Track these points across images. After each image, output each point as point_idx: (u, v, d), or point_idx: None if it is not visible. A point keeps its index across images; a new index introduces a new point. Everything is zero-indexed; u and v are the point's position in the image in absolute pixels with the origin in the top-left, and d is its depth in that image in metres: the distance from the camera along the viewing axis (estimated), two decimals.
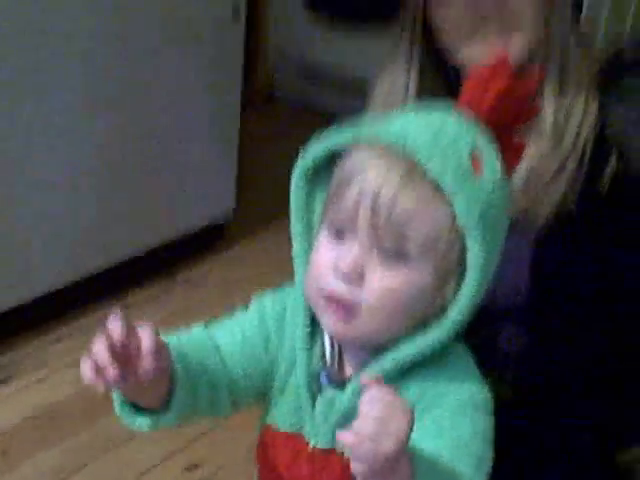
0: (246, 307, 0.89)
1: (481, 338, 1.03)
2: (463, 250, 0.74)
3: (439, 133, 0.74)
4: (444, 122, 0.76)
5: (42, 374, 1.75)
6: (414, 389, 0.77)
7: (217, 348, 0.83)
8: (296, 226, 0.81)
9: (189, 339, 0.83)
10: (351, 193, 0.74)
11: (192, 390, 0.79)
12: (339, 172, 0.77)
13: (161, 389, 0.75)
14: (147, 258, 2.03)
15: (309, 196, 0.81)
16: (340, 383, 0.80)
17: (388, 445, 0.63)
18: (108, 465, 1.55)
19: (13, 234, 1.73)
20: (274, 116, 3.06)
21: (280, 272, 0.90)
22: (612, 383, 1.03)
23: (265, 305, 0.86)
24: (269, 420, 0.86)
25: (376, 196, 0.73)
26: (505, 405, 1.02)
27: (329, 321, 0.76)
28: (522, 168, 0.95)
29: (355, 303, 0.74)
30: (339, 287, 0.74)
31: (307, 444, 0.81)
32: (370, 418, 0.64)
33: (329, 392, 0.80)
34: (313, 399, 0.81)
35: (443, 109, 0.79)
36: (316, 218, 0.81)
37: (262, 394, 0.86)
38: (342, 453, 0.78)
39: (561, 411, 1.02)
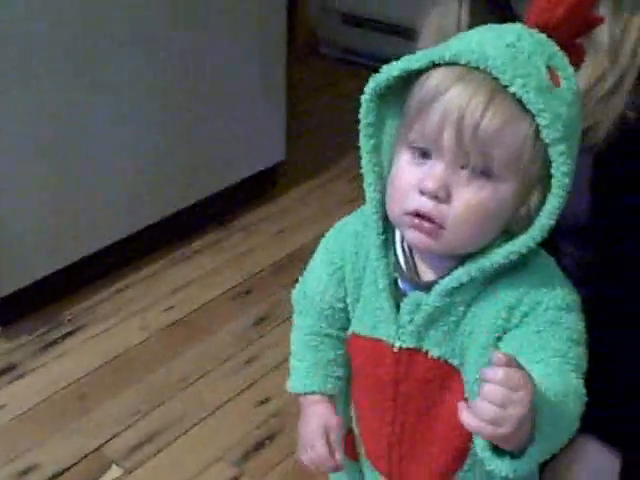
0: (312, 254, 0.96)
1: None
2: (545, 162, 0.76)
3: (516, 50, 0.75)
4: (519, 38, 0.77)
5: (113, 322, 1.82)
6: (506, 296, 0.80)
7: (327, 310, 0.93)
8: (366, 144, 0.82)
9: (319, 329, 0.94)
10: (435, 113, 0.75)
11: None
12: (420, 93, 0.78)
13: None
14: (204, 207, 2.09)
15: (378, 117, 0.82)
16: (422, 287, 0.83)
17: (506, 428, 0.68)
18: (183, 403, 1.62)
19: (78, 189, 1.79)
20: (319, 68, 3.07)
21: (330, 216, 0.96)
22: None
23: (327, 244, 0.92)
24: (351, 329, 0.91)
25: (462, 115, 0.74)
26: None
27: (415, 236, 0.79)
28: (583, 82, 0.93)
29: (442, 219, 0.76)
30: (425, 205, 0.76)
31: (391, 346, 0.85)
32: (492, 404, 0.67)
33: (415, 295, 0.83)
34: (395, 303, 0.85)
35: (513, 27, 0.79)
36: (386, 140, 0.83)
37: None
38: (426, 352, 0.83)
39: (629, 330, 1.01)
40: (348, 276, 0.89)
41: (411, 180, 0.78)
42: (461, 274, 0.79)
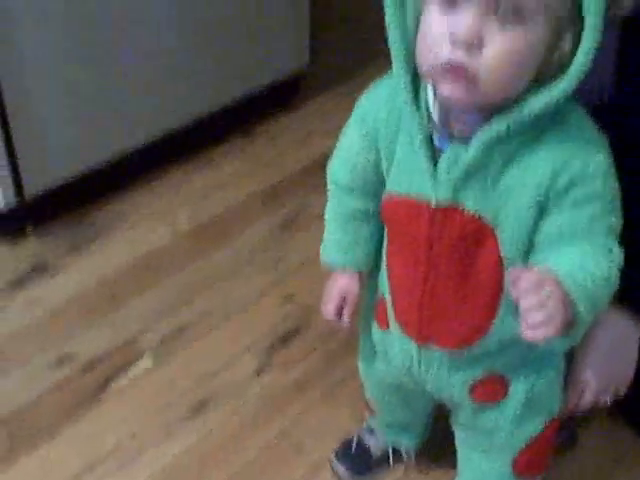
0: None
1: None
2: (575, 2, 0.76)
3: None
4: None
5: (141, 224, 1.85)
6: (551, 156, 0.81)
7: (361, 177, 0.97)
8: None
9: (352, 202, 1.00)
10: None
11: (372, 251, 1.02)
12: None
13: None
14: (227, 114, 2.09)
15: None
16: (459, 142, 0.83)
17: (557, 318, 0.75)
18: (211, 299, 1.66)
19: (103, 93, 1.80)
20: None
21: None
22: None
23: (360, 106, 0.94)
24: (387, 190, 0.93)
25: None
26: None
27: (449, 88, 0.78)
28: None
29: (475, 68, 0.76)
30: (457, 55, 0.76)
31: (427, 203, 0.87)
32: (534, 309, 0.75)
33: (454, 148, 0.84)
34: (432, 159, 0.85)
35: None
36: None
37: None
38: (462, 209, 0.85)
39: None
40: (381, 139, 0.90)
41: (442, 30, 0.77)
42: (499, 124, 0.79)
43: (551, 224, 0.84)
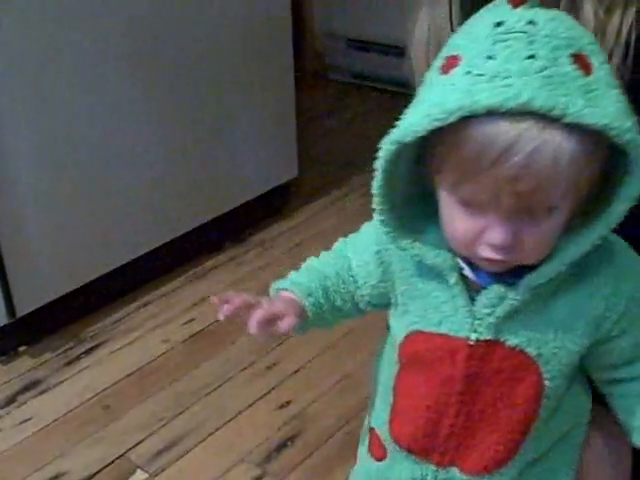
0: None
1: None
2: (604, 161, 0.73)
3: (540, 65, 0.67)
4: (531, 41, 0.68)
5: (134, 336, 1.85)
6: (599, 284, 0.80)
7: (350, 268, 0.91)
8: (378, 192, 0.77)
9: (331, 262, 0.93)
10: (490, 182, 0.69)
11: (321, 317, 0.91)
12: (465, 154, 0.69)
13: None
14: (220, 224, 2.12)
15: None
16: (502, 278, 0.80)
17: None
18: (205, 409, 1.65)
19: (95, 208, 1.83)
20: (326, 92, 3.13)
21: (342, 231, 0.96)
22: None
23: (371, 232, 0.89)
24: (411, 327, 0.87)
25: (521, 172, 0.67)
26: None
27: (489, 266, 0.78)
28: None
29: (516, 258, 0.75)
30: (497, 255, 0.74)
31: (465, 340, 0.83)
32: None
33: (497, 288, 0.80)
34: (468, 295, 0.82)
35: (510, 20, 0.70)
36: (402, 182, 0.78)
37: (385, 305, 0.91)
38: (504, 342, 0.82)
39: None
40: (395, 265, 0.87)
41: (473, 231, 0.74)
42: (549, 271, 0.77)
43: (621, 346, 0.84)
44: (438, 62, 0.74)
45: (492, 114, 0.66)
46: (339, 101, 3.03)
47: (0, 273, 1.69)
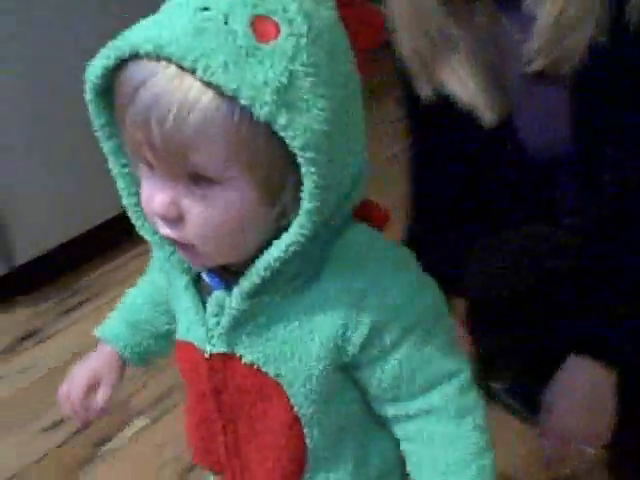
0: None
1: (538, 191, 1.08)
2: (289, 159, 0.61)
3: (204, 17, 0.59)
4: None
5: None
6: (337, 302, 0.68)
7: (153, 299, 0.87)
8: (106, 147, 0.69)
9: (141, 291, 0.89)
10: (127, 121, 0.61)
11: (144, 356, 0.90)
12: (116, 91, 0.63)
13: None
14: None
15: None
16: (229, 282, 0.71)
17: None
18: None
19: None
20: None
21: None
22: None
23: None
24: (176, 335, 0.80)
25: (147, 123, 0.59)
26: (570, 249, 1.06)
27: (180, 253, 0.69)
28: (549, 14, 0.91)
29: (186, 239, 0.65)
30: (165, 230, 0.65)
31: (202, 352, 0.74)
32: None
33: (218, 295, 0.72)
34: (202, 302, 0.74)
35: None
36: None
37: None
38: (240, 357, 0.72)
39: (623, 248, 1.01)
40: (164, 271, 0.79)
41: (146, 198, 0.65)
42: (253, 275, 0.66)
43: (374, 383, 0.72)
44: None
45: (139, 57, 0.60)
46: None
47: None
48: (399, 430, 0.75)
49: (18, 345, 1.74)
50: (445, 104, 1.00)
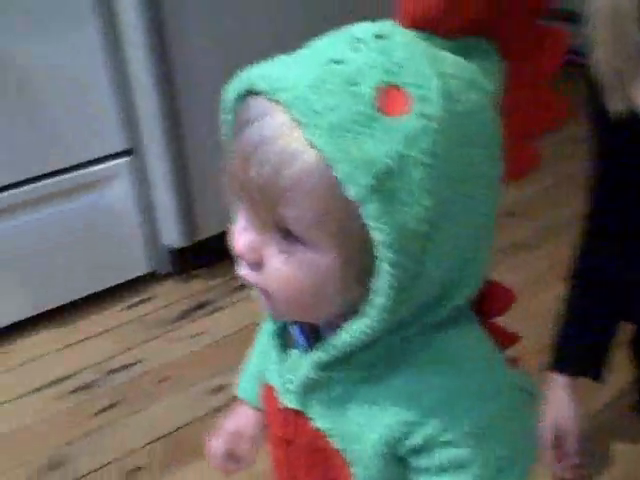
0: None
1: None
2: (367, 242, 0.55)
3: (334, 70, 0.54)
4: (355, 48, 0.55)
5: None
6: (394, 394, 0.62)
7: None
8: None
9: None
10: (232, 156, 0.59)
11: None
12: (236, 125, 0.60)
13: None
14: None
15: None
16: (311, 341, 0.67)
17: None
18: None
19: None
20: None
21: None
22: None
23: None
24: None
25: (247, 156, 0.56)
26: None
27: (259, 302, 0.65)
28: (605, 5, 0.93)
29: (263, 286, 0.61)
30: (243, 270, 0.62)
31: (279, 400, 0.71)
32: None
33: (296, 355, 0.68)
34: (284, 351, 0.70)
35: (366, 28, 0.57)
36: None
37: None
38: (310, 420, 0.68)
39: None
40: None
41: (233, 234, 0.62)
42: (328, 348, 0.62)
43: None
44: None
45: (258, 93, 0.56)
46: None
47: (186, 198, 1.86)
48: None
49: (193, 313, 1.88)
50: (637, 121, 1.01)
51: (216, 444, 0.88)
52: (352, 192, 0.52)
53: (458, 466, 0.62)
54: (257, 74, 0.56)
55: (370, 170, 0.52)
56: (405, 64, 0.54)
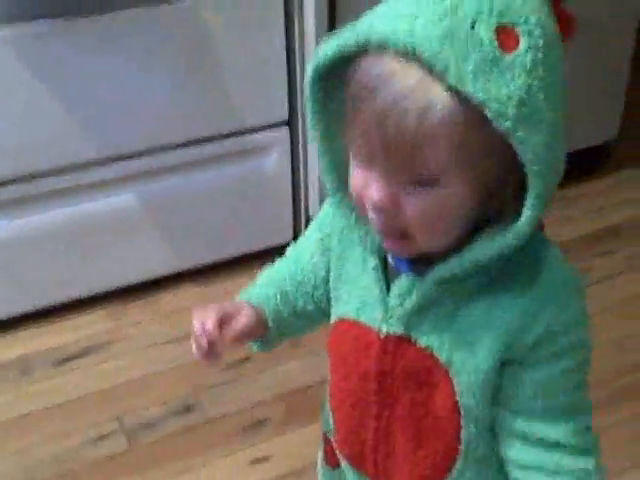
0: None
1: None
2: (509, 148, 0.62)
3: (452, 19, 0.60)
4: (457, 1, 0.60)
5: None
6: (514, 309, 0.70)
7: (303, 268, 0.87)
8: (313, 132, 0.72)
9: (284, 267, 0.89)
10: (362, 116, 0.63)
11: (286, 329, 0.89)
12: (348, 87, 0.65)
13: (257, 336, 0.87)
14: None
15: (327, 99, 0.71)
16: (416, 267, 0.73)
17: None
18: None
19: None
20: None
21: None
22: None
23: (324, 208, 0.86)
24: (336, 315, 0.83)
25: (385, 116, 0.61)
26: None
27: (387, 243, 0.72)
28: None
29: (399, 230, 0.68)
30: (379, 220, 0.68)
31: (377, 332, 0.77)
32: None
33: (408, 278, 0.74)
34: (385, 284, 0.76)
35: None
36: (335, 124, 0.72)
37: None
38: (415, 340, 0.75)
39: None
40: (334, 249, 0.82)
41: (359, 185, 0.68)
42: (454, 265, 0.69)
43: (518, 384, 0.73)
44: None
45: (384, 50, 0.61)
46: None
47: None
48: (522, 454, 0.75)
49: None
50: None
51: (210, 312, 0.83)
52: (505, 124, 0.60)
53: (571, 349, 0.71)
54: (386, 30, 0.60)
55: (512, 103, 0.60)
56: (509, 4, 0.61)
